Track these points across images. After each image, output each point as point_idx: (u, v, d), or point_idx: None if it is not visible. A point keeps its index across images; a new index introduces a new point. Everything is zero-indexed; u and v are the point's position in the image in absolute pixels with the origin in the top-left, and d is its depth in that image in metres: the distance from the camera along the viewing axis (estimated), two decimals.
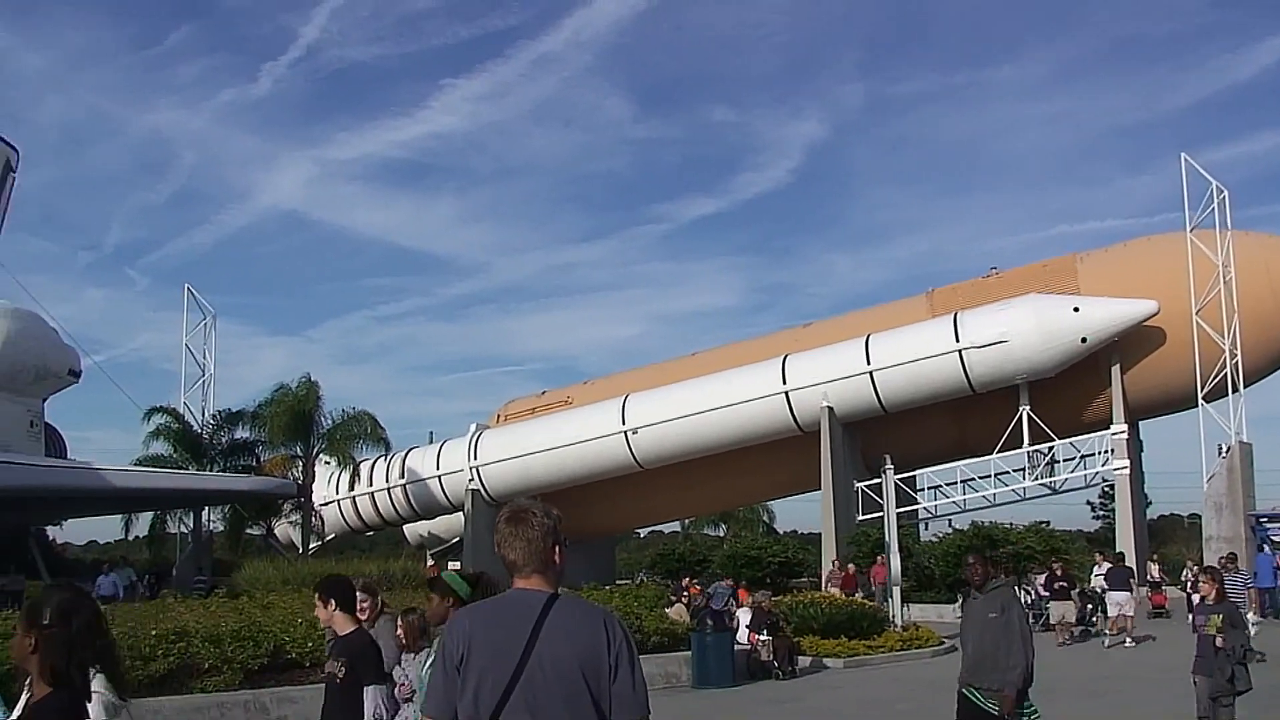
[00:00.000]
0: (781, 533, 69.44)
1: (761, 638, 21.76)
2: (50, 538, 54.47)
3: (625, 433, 44.17)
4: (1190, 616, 13.00)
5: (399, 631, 8.69)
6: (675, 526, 75.62)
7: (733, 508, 64.37)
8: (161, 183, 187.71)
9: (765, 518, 72.85)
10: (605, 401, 45.98)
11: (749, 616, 22.84)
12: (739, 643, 21.47)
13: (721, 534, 73.53)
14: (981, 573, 9.53)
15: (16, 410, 41.20)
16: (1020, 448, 40.87)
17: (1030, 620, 11.52)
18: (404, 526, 56.76)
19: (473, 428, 49.47)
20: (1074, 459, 42.16)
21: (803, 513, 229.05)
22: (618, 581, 46.21)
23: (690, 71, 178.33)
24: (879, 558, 33.23)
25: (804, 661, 22.46)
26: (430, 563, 30.35)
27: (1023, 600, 10.47)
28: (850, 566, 34.72)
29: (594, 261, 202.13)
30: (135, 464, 45.52)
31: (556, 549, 4.22)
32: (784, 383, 41.99)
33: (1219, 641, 11.68)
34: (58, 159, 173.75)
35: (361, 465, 48.80)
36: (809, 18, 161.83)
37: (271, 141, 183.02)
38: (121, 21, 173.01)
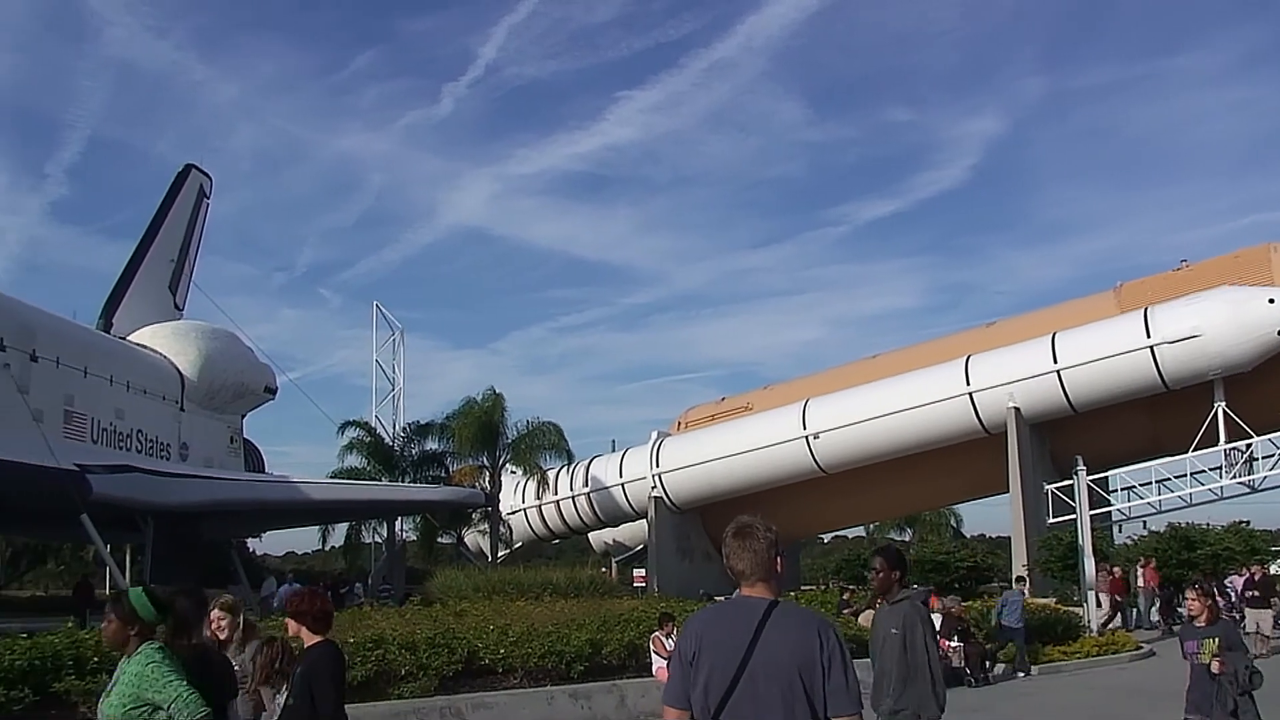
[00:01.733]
0: (969, 537, 68.30)
1: (952, 644, 21.45)
2: (250, 549, 56.55)
3: (806, 437, 43.90)
4: (1180, 644, 10.65)
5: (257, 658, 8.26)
6: (859, 531, 74.90)
7: (918, 512, 63.45)
8: (350, 204, 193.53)
9: (952, 521, 71.70)
10: (785, 407, 45.76)
11: (939, 622, 22.55)
12: None
13: (908, 538, 72.62)
14: (883, 580, 7.94)
15: (218, 427, 42.89)
16: (1217, 445, 39.42)
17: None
18: (589, 534, 57.30)
19: (654, 435, 49.70)
20: (1273, 456, 40.52)
21: (991, 516, 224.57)
22: (802, 587, 46.02)
23: (865, 71, 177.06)
24: (1148, 561, 32.61)
25: (996, 668, 22.08)
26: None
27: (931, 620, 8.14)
28: (1117, 570, 33.30)
29: (771, 266, 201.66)
30: (331, 477, 46.96)
31: (778, 559, 4.76)
32: (968, 384, 41.26)
33: (1215, 667, 9.79)
34: (251, 185, 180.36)
35: (546, 474, 49.42)
36: (985, 12, 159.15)
37: (454, 160, 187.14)
38: (309, 50, 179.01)
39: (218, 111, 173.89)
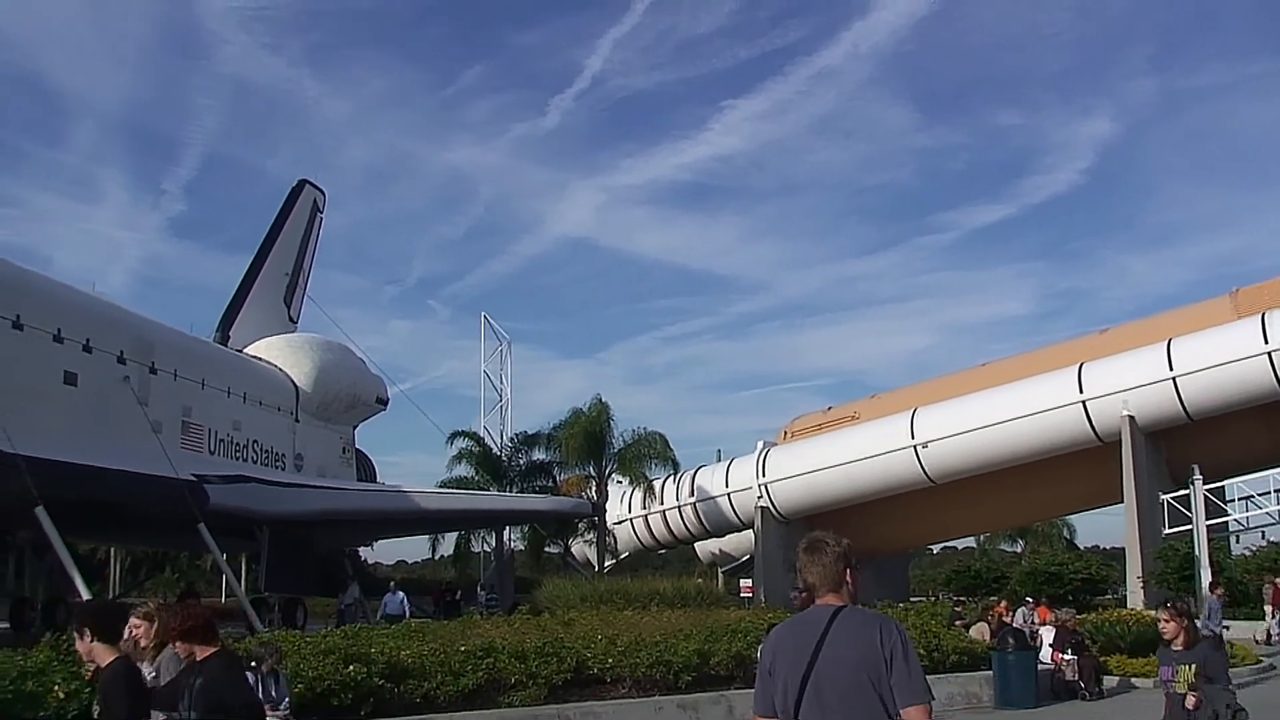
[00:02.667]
0: (1082, 548, 67.15)
1: (1066, 657, 21.12)
2: (363, 558, 57.33)
3: (914, 447, 43.47)
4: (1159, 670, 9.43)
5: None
6: (970, 542, 74.04)
7: (1030, 522, 62.55)
8: (459, 216, 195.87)
9: (1065, 532, 70.58)
10: (893, 416, 45.38)
11: (1051, 635, 22.21)
12: (1042, 662, 20.91)
13: (1019, 549, 71.59)
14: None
15: (331, 437, 43.61)
16: None
17: None
18: (695, 544, 57.26)
19: (760, 445, 49.57)
20: None
21: (1105, 526, 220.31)
22: (911, 599, 45.56)
23: (973, 76, 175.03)
24: None
25: (1110, 681, 21.69)
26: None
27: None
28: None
29: (879, 274, 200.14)
30: (440, 486, 47.47)
31: (848, 571, 5.07)
32: (1080, 392, 40.61)
33: (1190, 702, 8.67)
34: (363, 198, 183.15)
35: (653, 484, 49.48)
36: (1096, 13, 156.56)
37: (561, 172, 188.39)
38: (419, 66, 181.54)
39: (331, 127, 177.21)
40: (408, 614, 31.71)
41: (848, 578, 5.06)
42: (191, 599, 36.55)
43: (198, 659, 6.59)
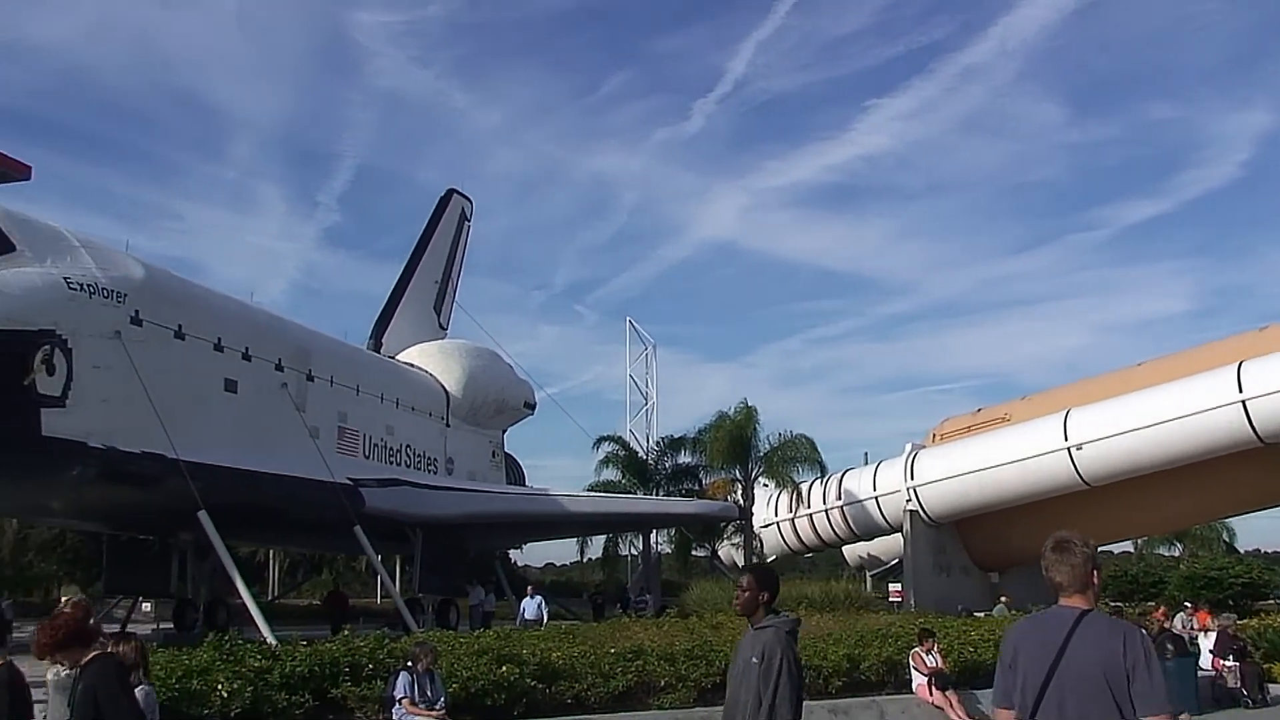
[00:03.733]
0: (1243, 551, 65.19)
1: (1227, 663, 20.57)
2: (512, 560, 58.05)
3: (1068, 449, 42.53)
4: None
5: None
6: (1126, 546, 72.29)
7: (1189, 526, 60.82)
8: (604, 222, 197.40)
9: (1225, 536, 68.52)
10: (1045, 417, 44.47)
11: (1212, 641, 21.64)
12: (1202, 669, 20.40)
13: (1177, 553, 69.72)
14: (748, 601, 6.91)
15: (480, 442, 44.28)
16: None
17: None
18: (843, 548, 56.81)
19: (908, 447, 48.95)
20: None
21: (1267, 529, 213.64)
22: None
23: (1125, 69, 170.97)
24: None
25: (1276, 690, 21.07)
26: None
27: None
28: None
29: (1030, 273, 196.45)
30: (587, 490, 47.85)
31: (1094, 572, 5.23)
32: (1240, 391, 39.38)
33: None
34: (510, 207, 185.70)
35: (799, 487, 49.22)
36: (1252, 3, 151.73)
37: (705, 176, 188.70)
38: (564, 74, 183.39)
39: (478, 137, 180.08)
40: (545, 618, 31.30)
41: (1094, 580, 5.21)
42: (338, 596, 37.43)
43: (80, 665, 6.65)
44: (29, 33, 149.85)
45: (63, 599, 27.25)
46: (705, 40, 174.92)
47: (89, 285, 23.05)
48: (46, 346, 21.57)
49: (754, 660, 6.69)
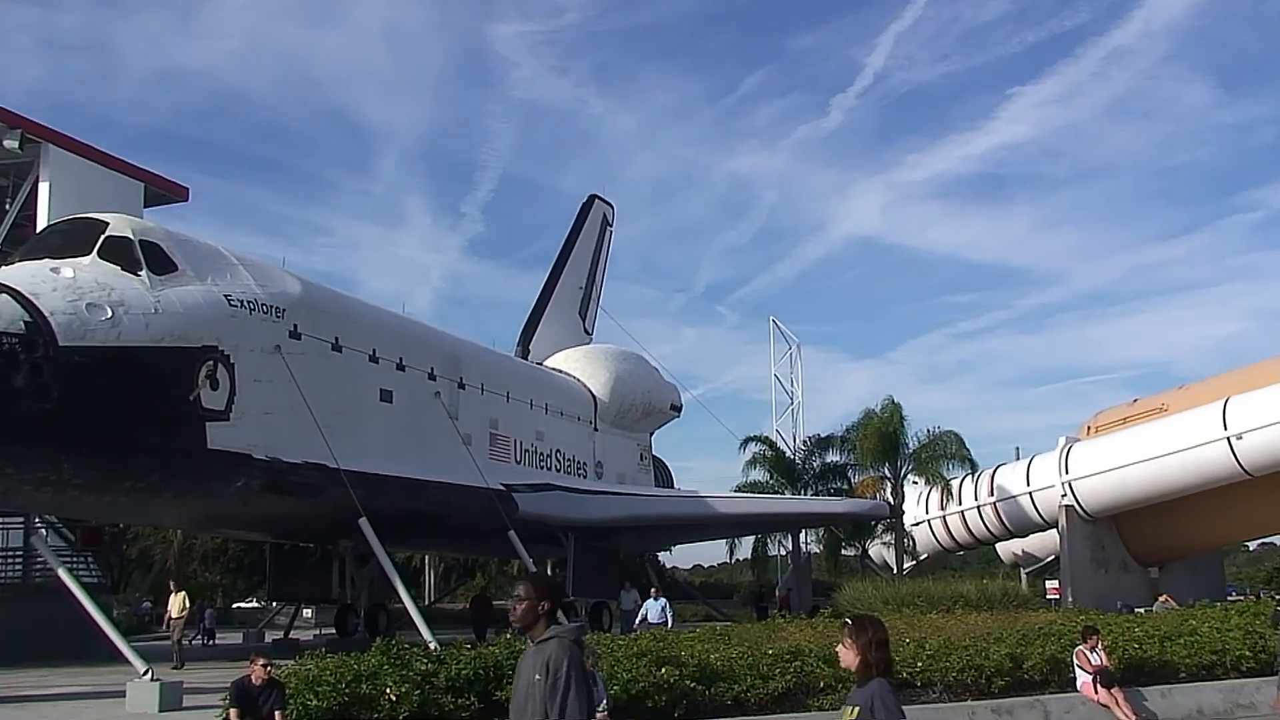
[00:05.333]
0: None
1: None
2: (661, 562, 58.28)
3: (1229, 439, 41.37)
4: None
5: None
6: None
7: None
8: (744, 223, 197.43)
9: None
10: (1204, 406, 43.32)
11: None
12: None
13: None
14: (526, 612, 5.94)
15: (628, 445, 44.57)
16: None
17: None
18: (996, 545, 55.99)
19: (1061, 441, 48.05)
20: None
21: None
22: (1229, 597, 43.43)
23: (1275, 47, 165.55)
24: None
25: None
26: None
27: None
28: None
29: (1184, 258, 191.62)
30: (735, 490, 47.85)
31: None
32: None
33: None
34: (650, 210, 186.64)
35: (950, 484, 48.63)
36: None
37: (845, 172, 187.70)
38: (701, 76, 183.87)
39: (617, 142, 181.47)
40: (670, 621, 29.95)
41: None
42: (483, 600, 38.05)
43: None
44: (183, 59, 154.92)
45: (172, 602, 28.16)
46: (843, 35, 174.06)
47: (249, 302, 23.74)
48: (210, 362, 22.25)
49: (537, 678, 5.77)
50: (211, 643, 39.20)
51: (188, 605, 28.37)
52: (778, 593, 49.39)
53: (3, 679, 21.33)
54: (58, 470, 19.77)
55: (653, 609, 30.79)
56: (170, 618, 27.53)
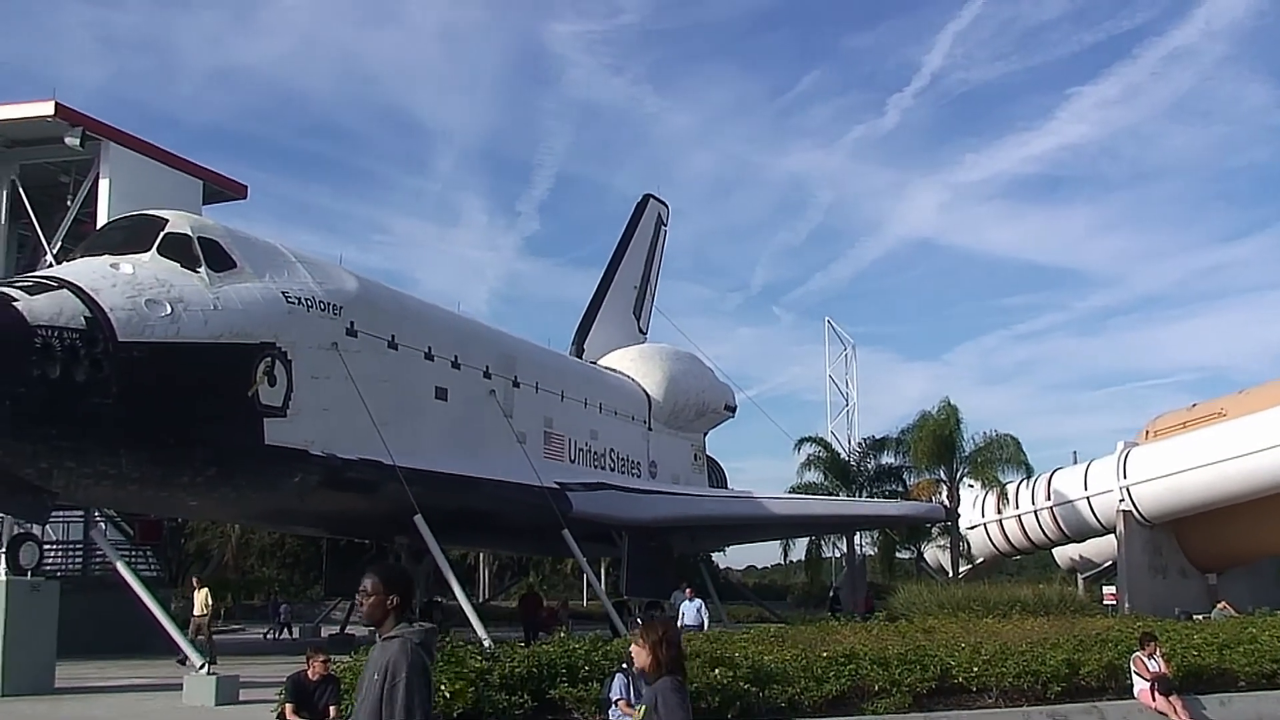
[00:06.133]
0: None
1: None
2: (715, 563, 58.18)
3: None
4: None
5: None
6: None
7: None
8: (800, 222, 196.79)
9: None
10: (1264, 411, 42.73)
11: None
12: None
13: None
14: (373, 607, 5.64)
15: (682, 445, 44.53)
16: None
17: None
18: (1053, 550, 55.54)
19: (1120, 445, 47.58)
20: None
21: None
22: None
23: None
24: None
25: None
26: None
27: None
28: None
29: (1244, 261, 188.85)
30: (789, 492, 47.70)
31: None
32: None
33: None
34: (705, 210, 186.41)
35: (1006, 488, 48.29)
36: None
37: (902, 171, 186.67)
38: (757, 75, 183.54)
39: (673, 141, 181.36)
40: (706, 623, 28.82)
41: None
42: (532, 599, 38.07)
43: None
44: (241, 57, 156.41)
45: (195, 598, 28.33)
46: (900, 34, 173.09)
47: (306, 299, 23.87)
48: (268, 358, 22.36)
49: (375, 678, 5.48)
50: (281, 637, 39.34)
51: (210, 602, 28.51)
52: (831, 593, 49.16)
53: (65, 670, 21.59)
54: (117, 464, 19.94)
55: (688, 609, 29.41)
56: (194, 615, 27.67)
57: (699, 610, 29.03)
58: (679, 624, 28.43)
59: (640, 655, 6.05)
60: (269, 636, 39.31)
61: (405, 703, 5.32)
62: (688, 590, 30.06)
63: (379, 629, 5.62)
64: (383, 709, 5.36)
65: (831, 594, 45.13)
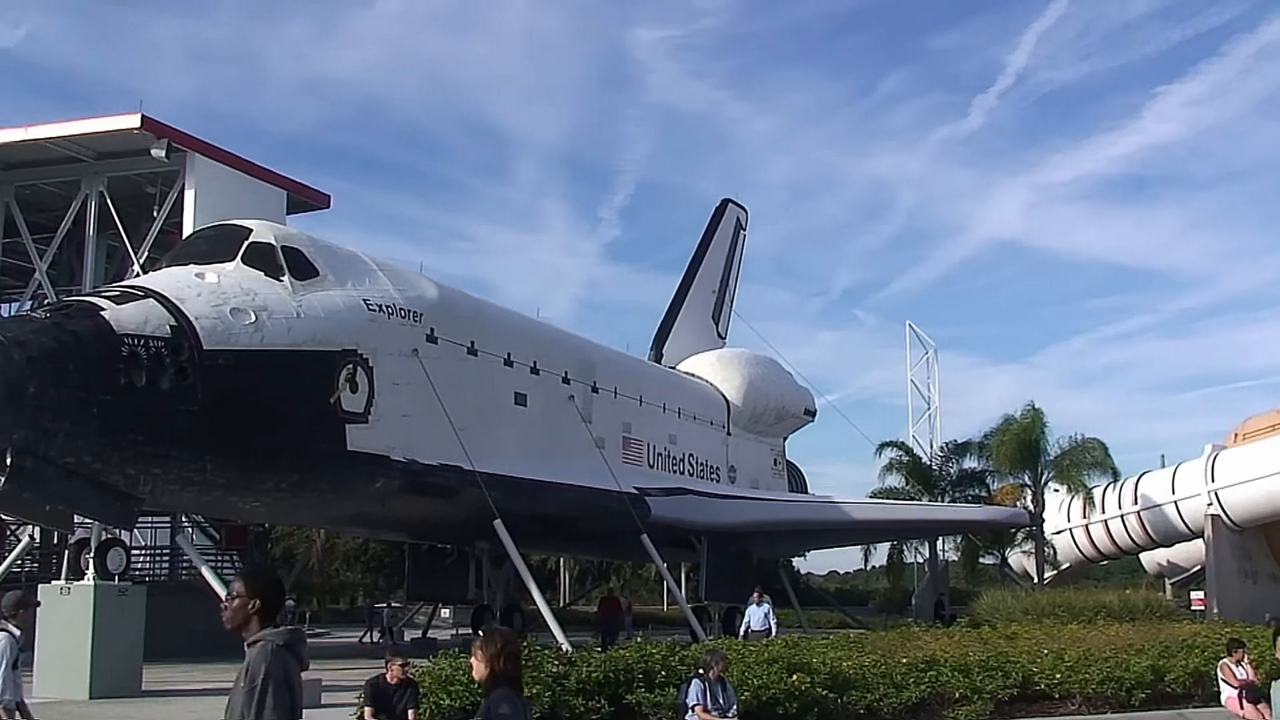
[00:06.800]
0: None
1: None
2: (796, 568, 57.97)
3: None
4: None
5: None
6: None
7: None
8: (882, 225, 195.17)
9: None
10: None
11: None
12: None
13: None
14: (236, 611, 5.44)
15: (761, 450, 44.41)
16: None
17: None
18: (1140, 554, 54.78)
19: (1208, 449, 46.83)
20: None
21: None
22: None
23: None
24: None
25: None
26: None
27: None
28: None
29: None
30: (870, 496, 47.38)
31: None
32: None
33: None
34: (786, 214, 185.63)
35: (1092, 492, 47.67)
36: None
37: (985, 173, 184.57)
38: (838, 77, 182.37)
39: (753, 145, 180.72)
40: (774, 629, 27.52)
41: None
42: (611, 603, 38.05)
43: None
44: (327, 68, 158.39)
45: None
46: (984, 34, 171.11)
47: (387, 306, 24.11)
48: (349, 365, 22.62)
49: (240, 683, 5.31)
50: (379, 640, 38.94)
51: None
52: (913, 601, 48.74)
53: (151, 674, 21.94)
54: (202, 470, 20.26)
55: (755, 615, 28.49)
56: None
57: (766, 615, 28.39)
58: (745, 629, 28.27)
59: (477, 667, 5.92)
60: (373, 639, 38.94)
61: (257, 708, 5.19)
62: (754, 594, 29.36)
63: (244, 633, 5.45)
64: (243, 711, 5.22)
65: (938, 599, 44.48)
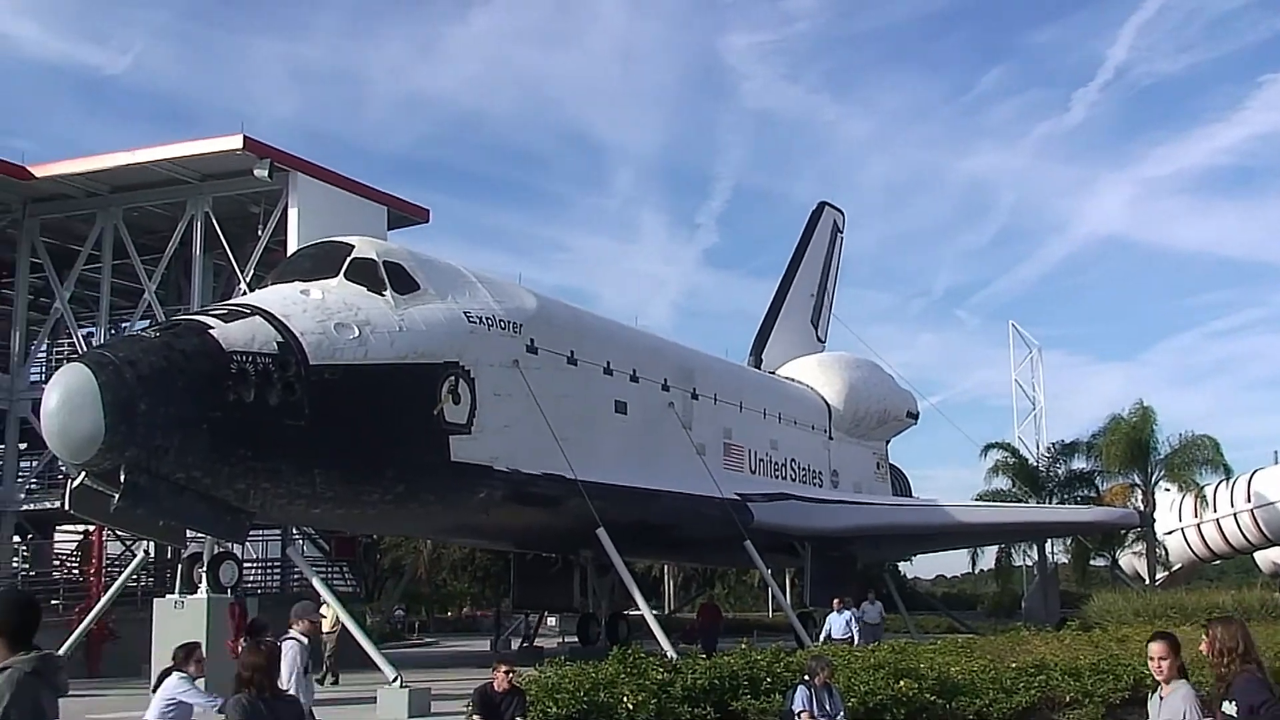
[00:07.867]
0: None
1: None
2: (902, 573, 57.48)
3: None
4: None
5: None
6: None
7: None
8: (983, 224, 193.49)
9: None
10: None
11: None
12: None
13: None
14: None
15: (863, 454, 44.12)
16: None
17: None
18: (1254, 554, 53.65)
19: None
20: None
21: None
22: None
23: None
24: None
25: None
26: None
27: None
28: None
29: None
30: (976, 499, 46.89)
31: None
32: None
33: None
34: (883, 215, 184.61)
35: (1204, 490, 46.77)
36: None
37: (1088, 168, 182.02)
38: (935, 77, 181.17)
39: (850, 148, 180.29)
40: (855, 638, 26.97)
41: None
42: (711, 609, 37.78)
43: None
44: (425, 86, 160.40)
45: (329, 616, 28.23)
46: (1083, 28, 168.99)
47: (487, 318, 24.33)
48: (452, 377, 22.85)
49: None
50: (524, 645, 38.70)
51: (339, 622, 27.70)
52: (1023, 605, 48.09)
53: None
54: (310, 484, 20.57)
55: (836, 623, 28.10)
56: (324, 633, 27.43)
57: (848, 623, 28.02)
58: (824, 637, 27.90)
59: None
60: (502, 645, 38.68)
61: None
62: (836, 602, 29.01)
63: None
64: None
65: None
